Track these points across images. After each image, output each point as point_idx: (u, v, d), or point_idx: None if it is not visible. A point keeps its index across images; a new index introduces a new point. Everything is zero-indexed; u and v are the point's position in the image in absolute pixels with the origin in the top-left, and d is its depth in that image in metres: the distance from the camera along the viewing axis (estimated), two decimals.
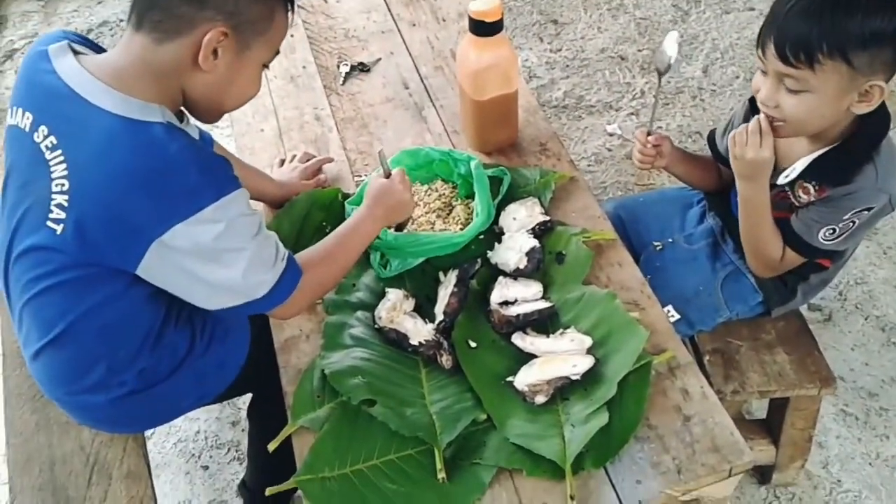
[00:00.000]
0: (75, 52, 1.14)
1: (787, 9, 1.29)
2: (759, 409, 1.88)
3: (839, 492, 1.82)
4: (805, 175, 1.45)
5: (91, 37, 1.17)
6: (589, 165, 2.60)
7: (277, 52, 1.23)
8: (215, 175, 1.09)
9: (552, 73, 2.93)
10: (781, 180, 1.47)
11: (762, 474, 1.82)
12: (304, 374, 1.35)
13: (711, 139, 1.69)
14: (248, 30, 1.13)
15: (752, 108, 1.49)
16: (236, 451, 1.92)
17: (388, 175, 1.44)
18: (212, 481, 1.87)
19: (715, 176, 1.72)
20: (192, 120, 1.28)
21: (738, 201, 1.51)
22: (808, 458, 1.75)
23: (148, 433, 1.90)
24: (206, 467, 1.90)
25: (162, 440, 1.94)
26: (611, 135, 2.71)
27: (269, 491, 1.22)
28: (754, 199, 1.47)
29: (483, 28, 1.52)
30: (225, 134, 2.29)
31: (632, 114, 2.76)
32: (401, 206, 1.43)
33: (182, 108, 1.20)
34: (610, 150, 2.65)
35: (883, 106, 1.37)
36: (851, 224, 1.43)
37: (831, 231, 1.43)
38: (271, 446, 1.28)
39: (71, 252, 1.10)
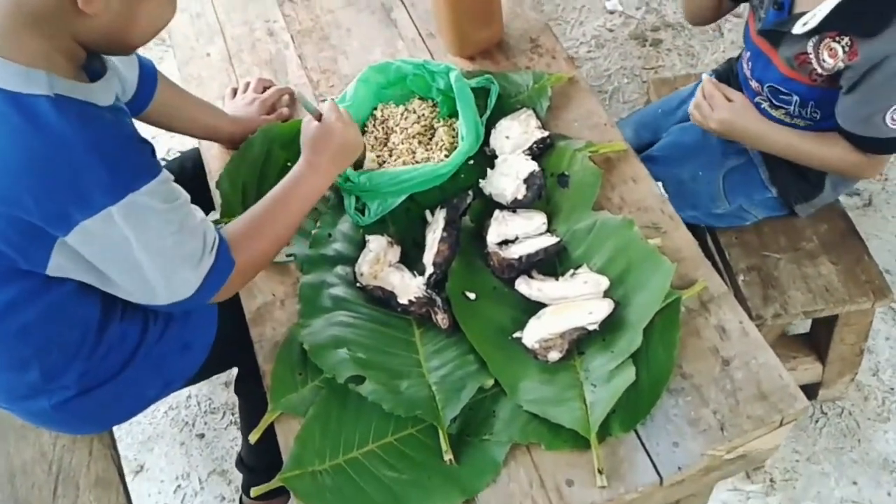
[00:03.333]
0: None
1: None
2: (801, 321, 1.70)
3: (892, 401, 1.67)
4: (828, 24, 1.18)
5: None
6: (589, 51, 2.32)
7: None
8: (124, 166, 0.89)
9: None
10: (798, 29, 1.21)
11: (807, 391, 1.65)
12: (282, 348, 1.17)
13: None
14: None
15: None
16: (232, 414, 1.78)
17: (318, 117, 1.17)
18: (209, 450, 1.74)
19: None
20: (116, 61, 1.06)
21: None
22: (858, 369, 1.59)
23: None
24: (202, 435, 1.76)
25: (152, 409, 1.79)
26: (611, 12, 2.41)
27: (254, 492, 1.08)
28: (770, 146, 1.33)
29: None
30: (164, 67, 1.94)
31: None
32: (347, 148, 1.18)
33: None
34: (611, 30, 2.37)
35: None
36: None
37: None
38: (252, 437, 1.12)
39: None
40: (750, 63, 1.37)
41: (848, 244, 1.43)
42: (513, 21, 1.51)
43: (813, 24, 1.18)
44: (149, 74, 1.23)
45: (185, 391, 1.81)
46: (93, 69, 0.98)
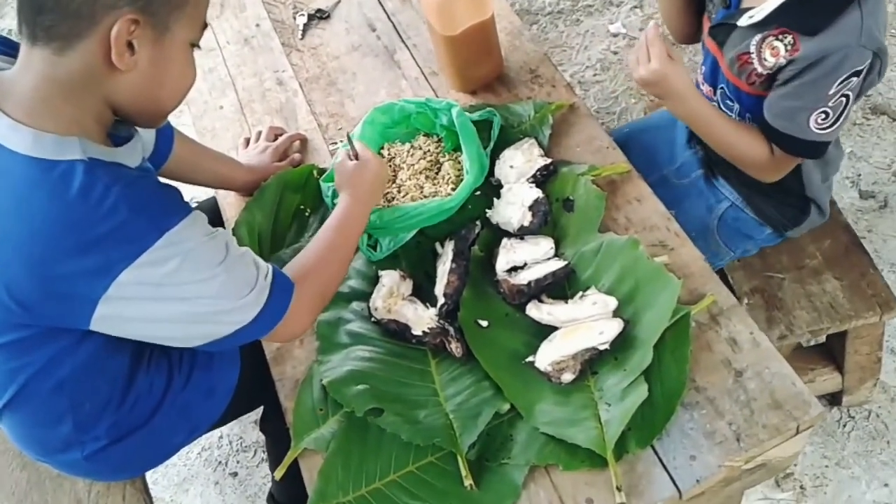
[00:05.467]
0: None
1: None
2: None
3: None
4: (773, 19, 1.17)
5: None
6: (595, 75, 2.36)
7: (205, 26, 1.02)
8: (154, 209, 0.92)
9: None
10: (744, 21, 1.20)
11: (832, 397, 1.64)
12: (303, 385, 1.21)
13: None
14: (162, 8, 0.92)
15: None
16: (263, 451, 1.81)
17: (354, 156, 1.26)
18: (243, 488, 1.78)
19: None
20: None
21: None
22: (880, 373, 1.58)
23: None
24: (235, 474, 1.80)
25: (186, 451, 1.84)
26: (615, 35, 2.45)
27: None
28: (688, 113, 1.27)
29: None
30: (181, 122, 2.03)
31: (635, 7, 2.49)
32: (381, 179, 1.27)
33: (119, 120, 1.02)
34: (616, 52, 2.40)
35: None
36: (844, 100, 1.16)
37: (823, 116, 1.18)
38: (277, 474, 1.16)
39: (9, 315, 0.96)
40: (703, 66, 1.39)
41: (852, 258, 1.42)
42: (512, 54, 1.55)
43: (759, 17, 1.18)
44: (166, 133, 1.29)
45: (217, 431, 1.85)
46: (118, 136, 1.02)
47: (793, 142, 1.22)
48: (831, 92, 1.15)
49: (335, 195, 1.32)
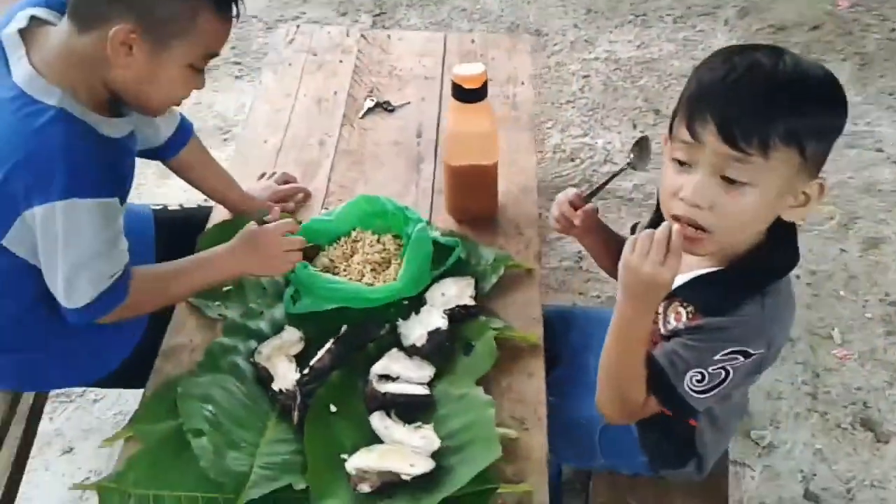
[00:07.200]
0: (38, 21, 1.20)
1: (727, 83, 1.03)
2: None
3: None
4: (681, 292, 1.19)
5: None
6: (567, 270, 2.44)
7: (214, 55, 1.22)
8: (81, 173, 1.11)
9: None
10: None
11: None
12: (167, 383, 1.32)
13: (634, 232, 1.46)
14: (163, 30, 1.14)
15: (657, 220, 1.23)
16: None
17: (260, 222, 1.41)
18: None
19: None
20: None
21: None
22: None
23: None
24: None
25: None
26: None
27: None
28: (634, 323, 1.16)
29: (462, 93, 1.45)
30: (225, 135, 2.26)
31: None
32: (268, 260, 1.38)
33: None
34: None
35: (794, 241, 1.17)
36: (723, 373, 1.15)
37: (699, 378, 1.16)
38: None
39: None
40: None
41: None
42: (510, 206, 1.65)
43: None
44: (183, 133, 1.50)
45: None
46: (121, 113, 1.24)
47: (664, 385, 1.19)
48: (715, 358, 1.15)
49: (295, 294, 1.44)
